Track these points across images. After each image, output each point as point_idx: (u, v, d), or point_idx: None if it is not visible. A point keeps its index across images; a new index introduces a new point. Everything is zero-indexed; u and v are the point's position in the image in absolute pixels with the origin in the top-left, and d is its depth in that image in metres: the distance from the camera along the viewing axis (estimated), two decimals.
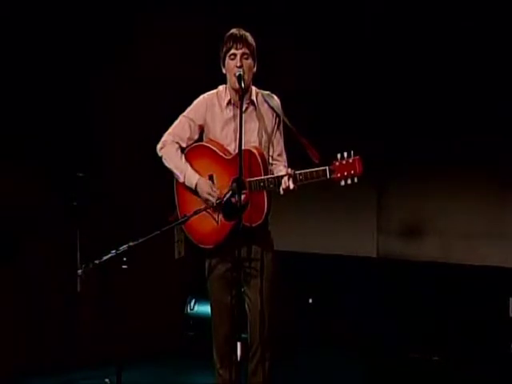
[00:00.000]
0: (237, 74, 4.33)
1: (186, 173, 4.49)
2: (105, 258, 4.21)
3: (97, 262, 4.20)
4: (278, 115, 4.53)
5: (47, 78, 6.63)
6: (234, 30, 4.45)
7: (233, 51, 4.38)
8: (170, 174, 4.61)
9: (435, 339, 6.52)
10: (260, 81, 4.58)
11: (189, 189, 4.53)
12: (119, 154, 6.99)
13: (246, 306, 4.53)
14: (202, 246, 4.54)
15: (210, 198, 4.42)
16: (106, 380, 5.63)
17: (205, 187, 4.45)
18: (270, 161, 4.55)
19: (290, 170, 4.30)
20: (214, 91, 4.56)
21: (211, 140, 4.53)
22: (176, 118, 4.61)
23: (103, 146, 6.96)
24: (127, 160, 6.95)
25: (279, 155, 4.58)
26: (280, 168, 4.51)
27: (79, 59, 6.73)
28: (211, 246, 4.50)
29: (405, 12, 6.64)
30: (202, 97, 4.57)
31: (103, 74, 6.80)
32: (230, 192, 4.33)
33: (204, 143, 4.55)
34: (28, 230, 6.55)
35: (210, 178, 4.48)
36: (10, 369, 6.09)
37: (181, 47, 7.00)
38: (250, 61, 4.40)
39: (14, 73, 6.46)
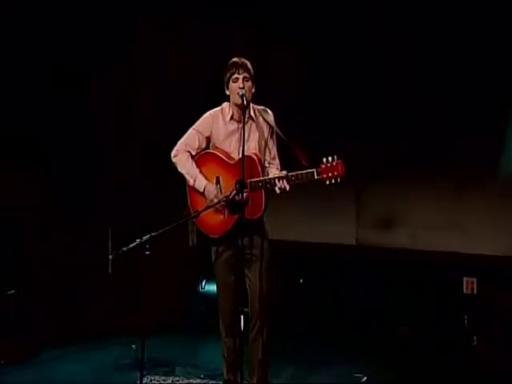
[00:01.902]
0: (240, 93, 4.80)
1: (196, 178, 4.95)
2: (131, 245, 4.56)
3: (125, 249, 4.55)
4: (271, 126, 4.98)
5: (47, 78, 6.71)
6: (235, 59, 4.90)
7: (235, 76, 4.85)
8: (180, 175, 4.99)
9: (403, 312, 6.83)
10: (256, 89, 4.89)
11: (198, 190, 4.99)
12: (119, 154, 7.08)
13: (247, 285, 4.96)
14: (211, 236, 4.97)
15: (215, 200, 4.85)
16: (133, 346, 5.94)
17: (211, 192, 4.91)
18: (266, 164, 5.03)
19: (284, 172, 4.71)
20: (219, 108, 5.01)
21: (217, 148, 5.01)
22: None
23: (103, 146, 7.06)
24: (127, 160, 7.06)
25: (273, 159, 5.06)
26: (273, 169, 4.97)
27: (79, 59, 6.83)
28: (219, 235, 4.93)
29: (392, 15, 6.82)
30: (208, 113, 5.03)
31: (103, 74, 6.89)
32: (235, 191, 4.72)
33: (211, 150, 5.02)
34: (28, 229, 6.66)
35: (217, 179, 4.93)
36: (52, 337, 6.25)
37: (180, 47, 7.08)
38: (249, 83, 4.88)
39: (15, 73, 6.54)
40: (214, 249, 5.04)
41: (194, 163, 5.00)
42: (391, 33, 6.86)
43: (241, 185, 4.71)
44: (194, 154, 5.02)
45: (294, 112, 6.77)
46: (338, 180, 4.56)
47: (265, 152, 5.01)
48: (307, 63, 7.13)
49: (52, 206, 6.77)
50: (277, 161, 5.07)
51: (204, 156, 5.03)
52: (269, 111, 5.02)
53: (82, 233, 6.83)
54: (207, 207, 4.85)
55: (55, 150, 6.80)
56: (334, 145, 4.91)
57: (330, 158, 4.58)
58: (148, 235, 4.57)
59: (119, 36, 6.99)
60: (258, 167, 4.85)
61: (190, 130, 5.04)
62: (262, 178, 4.77)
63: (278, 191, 4.69)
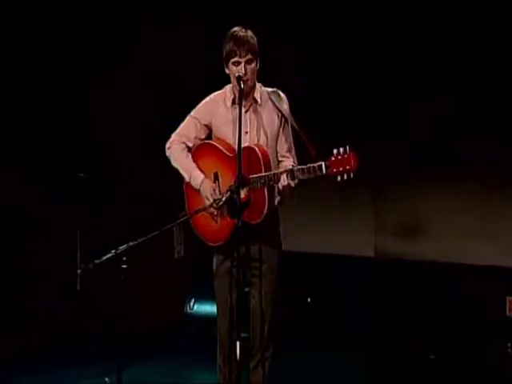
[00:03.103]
0: (236, 74, 4.33)
1: (191, 173, 4.52)
2: (104, 257, 4.21)
3: (97, 261, 4.20)
4: (282, 113, 4.51)
5: (48, 78, 6.67)
6: (236, 31, 4.41)
7: (236, 59, 4.35)
8: (177, 173, 4.63)
9: (432, 338, 6.48)
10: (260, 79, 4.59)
11: (195, 189, 4.56)
12: (119, 154, 6.96)
13: (251, 306, 4.57)
14: (212, 244, 4.56)
15: (210, 199, 4.43)
16: (106, 379, 5.59)
17: (208, 189, 4.47)
18: (279, 158, 4.56)
19: (289, 166, 4.33)
20: (221, 91, 4.57)
21: (218, 139, 4.55)
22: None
23: (103, 146, 6.93)
24: (127, 160, 6.92)
25: (287, 151, 4.58)
26: (287, 164, 4.52)
27: (79, 59, 6.77)
28: (222, 243, 4.51)
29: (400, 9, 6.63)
30: (208, 97, 4.59)
31: (103, 74, 6.82)
32: (229, 191, 4.29)
33: (210, 141, 4.57)
34: (28, 229, 6.58)
35: (215, 175, 4.50)
36: (8, 366, 6.03)
37: (181, 47, 7.00)
38: (253, 65, 4.39)
39: (15, 73, 6.50)
40: (215, 258, 4.63)
41: (189, 156, 4.61)
42: (391, 32, 6.70)
43: (239, 182, 4.26)
44: (190, 145, 4.62)
45: (303, 104, 6.32)
46: (351, 175, 4.14)
47: (276, 143, 4.57)
48: (307, 63, 7.02)
49: (52, 206, 6.71)
50: (293, 153, 4.62)
51: (201, 148, 4.61)
52: (281, 94, 4.57)
53: (82, 233, 6.68)
54: (197, 210, 4.48)
55: (55, 150, 6.78)
56: (348, 140, 4.39)
57: (341, 150, 4.16)
58: (125, 245, 4.24)
59: (119, 36, 6.95)
60: (259, 161, 4.36)
61: (187, 118, 4.65)
62: (262, 174, 4.34)
63: (280, 187, 4.33)
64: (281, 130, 4.55)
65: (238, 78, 4.32)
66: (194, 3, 7.09)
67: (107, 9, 6.85)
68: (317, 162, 4.20)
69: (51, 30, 6.62)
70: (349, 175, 4.13)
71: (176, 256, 6.99)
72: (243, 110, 4.39)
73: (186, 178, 4.56)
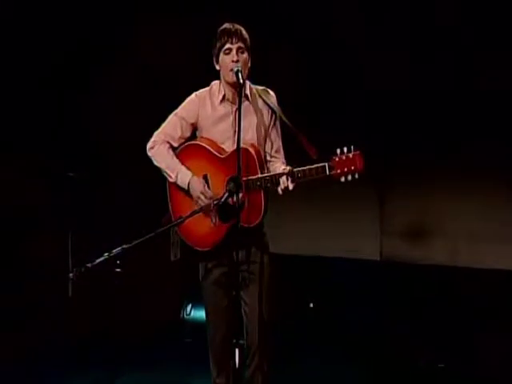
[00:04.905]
0: (235, 69, 4.23)
1: (178, 172, 4.42)
2: (97, 261, 4.08)
3: (89, 265, 4.07)
4: (273, 111, 4.44)
5: (47, 78, 6.71)
6: (227, 25, 4.37)
7: (228, 46, 4.29)
8: (161, 174, 4.55)
9: (441, 345, 6.42)
10: (255, 76, 4.53)
11: (182, 189, 4.45)
12: (118, 155, 7.02)
13: (243, 310, 4.44)
14: (199, 249, 4.43)
15: (202, 198, 4.34)
16: None
17: (198, 186, 4.36)
18: (268, 158, 4.47)
19: (287, 167, 4.20)
20: (207, 88, 4.48)
21: (204, 138, 4.44)
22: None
23: (101, 146, 6.98)
24: (126, 160, 6.92)
25: (276, 152, 4.49)
26: (277, 165, 4.42)
27: (79, 59, 6.82)
28: (209, 248, 4.40)
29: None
30: (194, 94, 4.49)
31: (103, 74, 6.87)
32: (227, 193, 4.16)
33: (197, 142, 4.46)
34: (27, 230, 6.58)
35: (205, 177, 4.38)
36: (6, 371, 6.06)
37: (181, 46, 7.04)
38: (245, 55, 4.32)
39: (14, 72, 6.53)
40: (202, 265, 4.51)
41: (175, 156, 4.50)
42: (391, 34, 6.78)
43: (236, 184, 4.16)
44: (175, 145, 4.51)
45: (304, 101, 6.69)
46: (356, 176, 4.07)
47: (265, 143, 4.48)
48: (307, 63, 7.11)
49: (52, 206, 6.78)
50: (281, 154, 4.54)
51: (187, 149, 4.49)
52: (270, 92, 4.50)
53: (82, 234, 6.71)
54: (193, 212, 4.29)
55: (54, 149, 6.84)
56: (353, 140, 4.34)
57: (345, 150, 4.08)
58: (119, 248, 4.13)
59: (119, 35, 7.04)
60: (255, 162, 4.29)
61: (171, 116, 4.54)
62: (260, 176, 4.24)
63: (280, 192, 4.20)
64: (271, 128, 4.47)
65: (237, 73, 4.22)
66: (194, 3, 7.15)
67: (107, 8, 6.90)
68: (318, 162, 4.11)
69: (50, 30, 6.66)
70: (354, 176, 4.06)
71: (172, 259, 6.95)
72: (234, 107, 4.35)
73: (172, 178, 4.45)
